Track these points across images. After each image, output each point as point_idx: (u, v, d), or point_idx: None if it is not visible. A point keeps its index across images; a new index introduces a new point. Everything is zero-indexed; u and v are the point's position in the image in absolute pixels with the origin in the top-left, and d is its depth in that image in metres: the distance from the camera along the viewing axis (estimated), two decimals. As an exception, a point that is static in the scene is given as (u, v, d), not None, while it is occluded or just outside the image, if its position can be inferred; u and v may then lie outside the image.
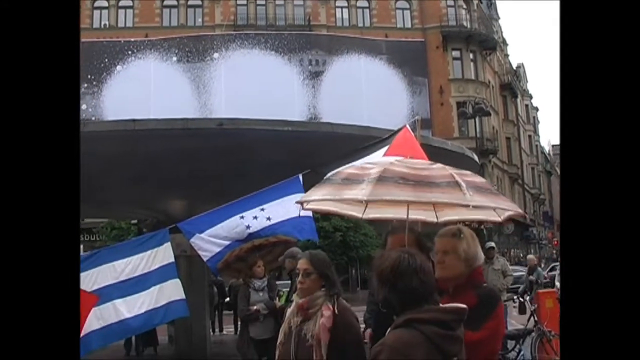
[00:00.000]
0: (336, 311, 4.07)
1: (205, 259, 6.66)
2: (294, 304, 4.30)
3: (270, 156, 10.05)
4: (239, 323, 14.65)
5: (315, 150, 8.87)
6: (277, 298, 8.34)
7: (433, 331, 2.68)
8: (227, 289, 19.76)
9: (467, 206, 3.89)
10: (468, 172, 4.23)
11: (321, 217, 28.46)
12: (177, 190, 12.52)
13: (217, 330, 19.71)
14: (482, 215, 4.45)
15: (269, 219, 6.59)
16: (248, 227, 6.56)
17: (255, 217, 6.63)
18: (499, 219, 4.31)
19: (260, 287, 8.50)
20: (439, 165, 4.26)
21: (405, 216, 4.57)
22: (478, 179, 4.28)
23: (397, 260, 2.88)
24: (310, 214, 6.45)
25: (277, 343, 4.34)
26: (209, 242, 6.59)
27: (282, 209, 6.61)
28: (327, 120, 19.18)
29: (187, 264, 12.13)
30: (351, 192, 4.00)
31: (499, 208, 4.19)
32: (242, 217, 6.53)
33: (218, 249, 6.57)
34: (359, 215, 4.99)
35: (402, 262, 2.88)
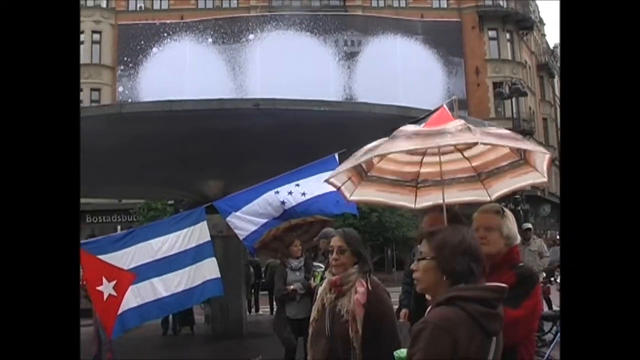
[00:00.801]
0: (369, 287, 4.11)
1: (241, 238, 6.68)
2: (326, 281, 4.33)
3: (306, 137, 10.05)
4: (275, 303, 14.73)
5: (351, 130, 8.84)
6: (312, 278, 8.36)
7: (476, 309, 2.66)
8: (263, 269, 19.88)
9: (475, 144, 4.00)
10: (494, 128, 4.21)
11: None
12: (213, 171, 12.60)
13: (253, 310, 19.84)
14: (529, 180, 4.43)
15: (303, 194, 6.57)
16: (283, 202, 6.55)
17: (290, 193, 6.62)
18: (544, 179, 4.26)
19: (297, 267, 8.52)
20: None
21: (457, 200, 4.60)
22: (501, 130, 4.31)
23: (466, 236, 2.86)
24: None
25: (311, 320, 4.37)
26: (245, 220, 6.61)
27: (316, 185, 6.59)
28: (363, 101, 19.10)
29: (223, 244, 12.21)
30: (365, 156, 4.04)
31: (519, 148, 4.21)
32: (277, 193, 6.53)
33: (254, 228, 6.58)
34: (411, 205, 4.99)
35: (469, 238, 2.86)
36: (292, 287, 8.29)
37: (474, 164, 4.63)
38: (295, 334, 8.14)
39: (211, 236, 6.83)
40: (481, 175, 4.66)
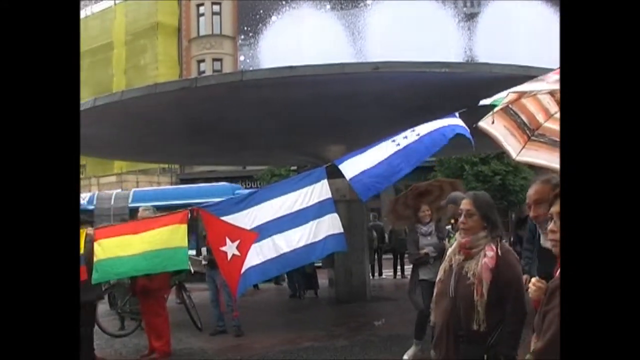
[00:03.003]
0: (499, 252, 4.03)
1: (359, 192, 6.59)
2: (455, 242, 4.28)
3: (425, 99, 9.92)
4: (403, 266, 14.78)
5: (472, 92, 8.65)
6: (447, 240, 8.33)
7: None
8: (387, 233, 19.92)
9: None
10: None
11: (480, 161, 27.96)
12: (335, 136, 12.66)
13: (376, 274, 19.94)
14: None
15: (418, 134, 6.45)
16: (398, 144, 6.43)
17: (405, 137, 6.52)
18: None
19: (427, 231, 8.53)
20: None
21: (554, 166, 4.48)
22: None
23: None
24: (461, 122, 6.30)
25: (437, 280, 4.35)
26: (367, 177, 6.52)
27: (431, 125, 6.47)
28: (483, 62, 18.65)
29: (346, 209, 12.31)
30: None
31: None
32: (393, 141, 6.44)
33: (374, 183, 6.48)
34: (514, 154, 4.88)
35: None
36: (424, 251, 8.32)
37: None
38: (428, 296, 8.19)
39: (334, 201, 6.84)
40: None
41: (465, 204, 4.20)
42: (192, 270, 7.88)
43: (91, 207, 21.54)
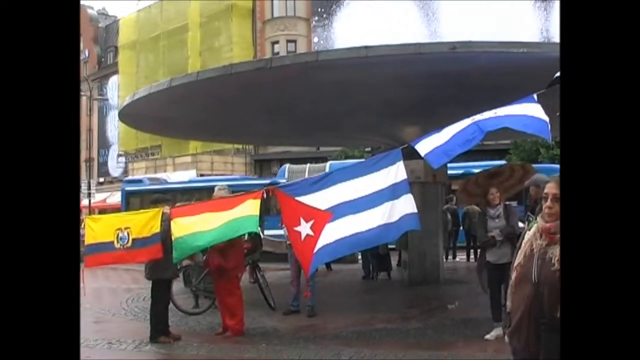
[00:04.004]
0: None
1: (430, 161, 6.50)
2: (535, 226, 4.14)
3: (504, 80, 9.72)
4: (477, 250, 14.62)
5: (550, 72, 8.43)
6: (527, 223, 8.21)
7: None
8: (461, 216, 19.73)
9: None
10: None
11: (555, 144, 27.39)
12: (410, 117, 12.55)
13: (450, 257, 19.78)
14: None
15: (495, 112, 6.32)
16: (473, 119, 6.32)
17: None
18: None
19: (495, 214, 8.44)
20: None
21: None
22: None
23: None
24: (540, 110, 6.15)
25: (515, 264, 4.22)
26: (440, 149, 6.42)
27: (509, 107, 6.34)
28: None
29: (420, 191, 12.21)
30: None
31: None
32: (473, 119, 6.33)
33: (446, 151, 6.38)
34: None
35: None
36: (491, 234, 8.26)
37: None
38: (496, 279, 8.10)
39: (409, 183, 6.78)
40: None
41: (551, 188, 4.03)
42: (262, 235, 7.92)
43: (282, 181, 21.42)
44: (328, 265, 16.34)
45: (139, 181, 31.78)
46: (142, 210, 9.28)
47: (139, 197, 26.95)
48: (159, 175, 38.93)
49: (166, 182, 31.99)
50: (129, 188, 29.84)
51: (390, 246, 14.30)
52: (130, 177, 39.19)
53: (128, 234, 8.06)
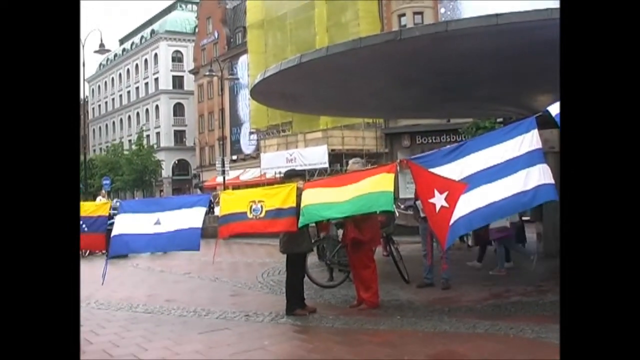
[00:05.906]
0: None
1: None
2: None
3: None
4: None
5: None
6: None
7: None
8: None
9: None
10: None
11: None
12: (543, 85, 12.21)
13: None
14: None
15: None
16: None
17: None
18: None
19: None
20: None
21: None
22: None
23: None
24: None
25: None
26: None
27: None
28: None
29: (555, 161, 11.86)
30: None
31: None
32: None
33: None
34: None
35: None
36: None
37: None
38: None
39: (543, 153, 6.64)
40: None
41: None
42: (397, 214, 7.92)
43: None
44: (463, 238, 16.17)
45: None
46: (276, 185, 9.51)
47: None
48: (290, 151, 39.59)
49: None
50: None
51: (524, 218, 14.00)
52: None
53: (262, 206, 8.27)
